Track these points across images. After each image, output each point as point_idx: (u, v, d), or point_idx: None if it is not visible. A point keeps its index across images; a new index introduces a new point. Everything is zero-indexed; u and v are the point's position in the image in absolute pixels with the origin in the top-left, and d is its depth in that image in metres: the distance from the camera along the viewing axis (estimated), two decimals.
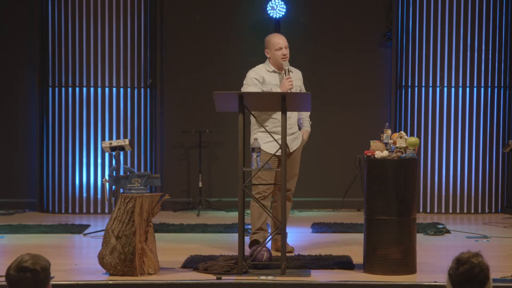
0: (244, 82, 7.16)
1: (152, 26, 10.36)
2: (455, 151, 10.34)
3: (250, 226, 7.23)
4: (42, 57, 10.27)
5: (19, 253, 7.81)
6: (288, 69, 7.08)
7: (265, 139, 6.98)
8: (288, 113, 7.00)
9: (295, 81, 7.17)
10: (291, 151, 7.16)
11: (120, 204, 6.40)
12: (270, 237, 6.88)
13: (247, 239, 7.03)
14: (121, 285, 6.10)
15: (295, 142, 7.23)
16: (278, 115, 6.95)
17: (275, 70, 7.17)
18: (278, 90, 7.02)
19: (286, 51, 7.15)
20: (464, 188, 10.34)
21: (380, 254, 6.36)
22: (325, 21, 10.53)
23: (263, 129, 6.94)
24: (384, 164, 6.38)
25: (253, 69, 7.23)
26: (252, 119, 7.05)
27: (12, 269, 3.34)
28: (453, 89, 10.33)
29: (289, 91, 6.90)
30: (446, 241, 8.26)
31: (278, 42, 7.15)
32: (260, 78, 7.10)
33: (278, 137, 6.85)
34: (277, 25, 10.35)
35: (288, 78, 7.01)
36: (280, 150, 6.75)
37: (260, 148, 6.54)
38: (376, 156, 6.42)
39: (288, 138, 6.92)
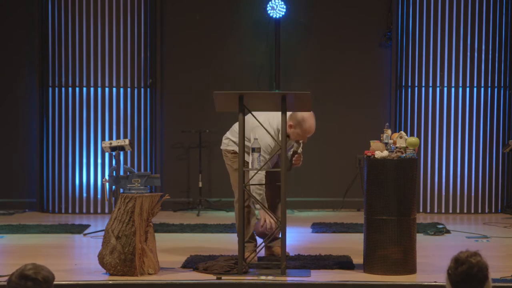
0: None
1: (152, 26, 10.36)
2: (455, 151, 10.34)
3: None
4: (42, 57, 10.27)
5: (19, 253, 7.84)
6: (300, 152, 6.74)
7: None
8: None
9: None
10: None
11: (120, 204, 6.40)
12: (263, 244, 6.87)
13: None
14: (121, 285, 6.10)
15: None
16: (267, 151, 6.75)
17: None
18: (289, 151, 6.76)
19: (306, 140, 6.84)
20: (464, 188, 10.34)
21: (380, 254, 6.36)
22: (325, 21, 10.53)
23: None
24: (384, 164, 6.38)
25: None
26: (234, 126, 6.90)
27: (14, 276, 3.34)
28: (453, 89, 10.33)
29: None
30: (446, 241, 8.26)
31: (311, 130, 6.79)
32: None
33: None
34: (277, 25, 10.35)
35: (296, 158, 6.69)
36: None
37: (260, 148, 6.52)
38: (376, 156, 6.42)
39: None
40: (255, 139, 6.64)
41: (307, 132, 6.82)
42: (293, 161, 6.71)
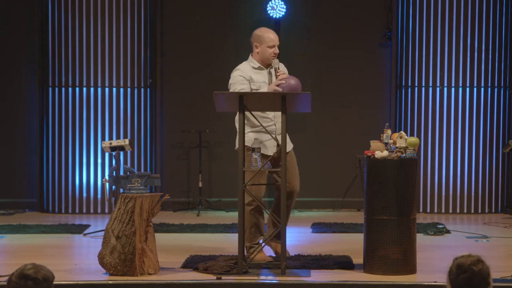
0: (231, 82, 6.91)
1: (152, 26, 10.36)
2: (455, 151, 10.34)
3: None
4: (42, 57, 10.27)
5: (19, 253, 7.85)
6: (277, 67, 6.83)
7: (258, 139, 6.76)
8: (279, 112, 6.78)
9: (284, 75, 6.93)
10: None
11: (120, 204, 6.40)
12: (264, 244, 6.86)
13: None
14: (121, 285, 6.10)
15: (287, 146, 6.90)
16: (270, 113, 6.85)
17: (261, 66, 6.95)
18: (266, 88, 6.81)
19: (277, 51, 6.93)
20: (464, 188, 10.34)
21: (380, 254, 6.36)
22: (325, 21, 10.53)
23: (255, 129, 6.82)
24: (384, 164, 6.38)
25: (237, 68, 6.98)
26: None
27: (14, 276, 3.35)
28: (453, 89, 10.33)
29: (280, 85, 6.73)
30: (446, 241, 8.26)
31: (272, 39, 6.91)
32: (247, 77, 6.88)
33: (270, 137, 6.78)
34: (277, 25, 10.35)
35: (279, 73, 6.75)
36: (273, 150, 6.72)
37: (260, 148, 6.52)
38: (376, 156, 6.42)
39: (279, 138, 6.80)
40: (255, 139, 6.64)
41: (269, 42, 6.92)
42: (278, 76, 6.73)
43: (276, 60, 6.90)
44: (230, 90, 6.86)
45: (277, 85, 6.69)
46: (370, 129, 9.81)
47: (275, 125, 6.89)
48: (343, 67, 10.53)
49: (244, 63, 7.03)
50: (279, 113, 6.78)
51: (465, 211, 10.34)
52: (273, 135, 6.72)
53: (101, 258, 6.40)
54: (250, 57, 7.04)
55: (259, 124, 6.73)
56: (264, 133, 6.82)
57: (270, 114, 6.85)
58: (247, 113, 6.72)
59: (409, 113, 10.38)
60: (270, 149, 6.85)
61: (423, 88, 10.35)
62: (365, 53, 10.50)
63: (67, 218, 9.98)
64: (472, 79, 10.31)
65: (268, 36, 6.93)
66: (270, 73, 6.94)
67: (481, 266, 3.36)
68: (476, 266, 3.36)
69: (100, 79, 10.30)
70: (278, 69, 6.83)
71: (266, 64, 6.97)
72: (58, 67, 10.27)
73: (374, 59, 10.50)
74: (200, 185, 10.35)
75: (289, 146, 7.03)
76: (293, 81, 6.67)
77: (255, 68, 6.97)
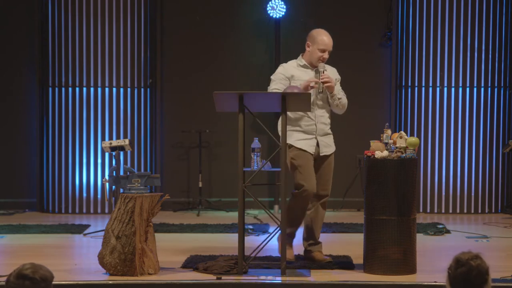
0: (271, 77, 6.91)
1: (152, 26, 10.36)
2: (455, 151, 10.34)
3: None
4: (42, 57, 10.27)
5: (19, 253, 7.84)
6: (323, 70, 6.79)
7: (299, 136, 6.78)
8: (320, 112, 6.86)
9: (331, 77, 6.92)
10: (321, 154, 6.84)
11: (120, 204, 6.40)
12: (270, 237, 6.86)
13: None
14: (121, 285, 6.10)
15: (327, 149, 6.92)
16: (311, 113, 6.78)
17: (306, 64, 6.89)
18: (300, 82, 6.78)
19: (327, 56, 6.86)
20: (464, 188, 10.34)
21: (380, 254, 6.36)
22: (325, 21, 10.50)
23: (295, 128, 6.78)
24: (384, 164, 6.38)
25: (283, 64, 6.98)
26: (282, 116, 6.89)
27: (12, 276, 3.34)
28: (453, 89, 10.33)
29: (323, 86, 6.73)
30: (446, 241, 8.26)
31: (325, 43, 6.82)
32: (288, 75, 6.82)
33: (311, 136, 6.80)
34: (277, 25, 10.35)
35: (323, 76, 6.74)
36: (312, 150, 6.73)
37: (260, 148, 6.52)
38: (376, 156, 6.42)
39: (321, 138, 6.83)
40: (255, 138, 6.64)
41: (321, 45, 6.82)
42: (322, 80, 6.72)
43: (322, 64, 6.82)
44: (269, 85, 6.88)
45: (307, 85, 6.65)
46: (370, 129, 9.81)
47: (315, 125, 6.84)
48: (343, 67, 10.47)
49: (292, 60, 6.99)
50: (321, 113, 6.84)
51: (465, 211, 10.34)
52: (313, 135, 6.75)
53: (101, 258, 6.40)
54: (300, 55, 6.99)
55: (300, 123, 6.72)
56: (304, 133, 6.79)
57: (312, 113, 6.80)
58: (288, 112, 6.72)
59: (409, 113, 10.38)
60: (310, 147, 6.79)
61: (423, 88, 10.36)
62: (365, 53, 10.50)
63: (67, 218, 9.98)
64: (472, 79, 10.32)
65: (321, 39, 6.85)
66: (317, 71, 6.82)
67: (479, 262, 3.38)
68: (474, 261, 3.38)
69: (100, 79, 10.30)
70: (323, 72, 6.78)
71: (312, 65, 6.91)
72: (58, 67, 10.27)
73: (374, 59, 10.50)
74: (200, 185, 10.35)
75: (329, 149, 6.95)
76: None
77: (300, 66, 6.92)
